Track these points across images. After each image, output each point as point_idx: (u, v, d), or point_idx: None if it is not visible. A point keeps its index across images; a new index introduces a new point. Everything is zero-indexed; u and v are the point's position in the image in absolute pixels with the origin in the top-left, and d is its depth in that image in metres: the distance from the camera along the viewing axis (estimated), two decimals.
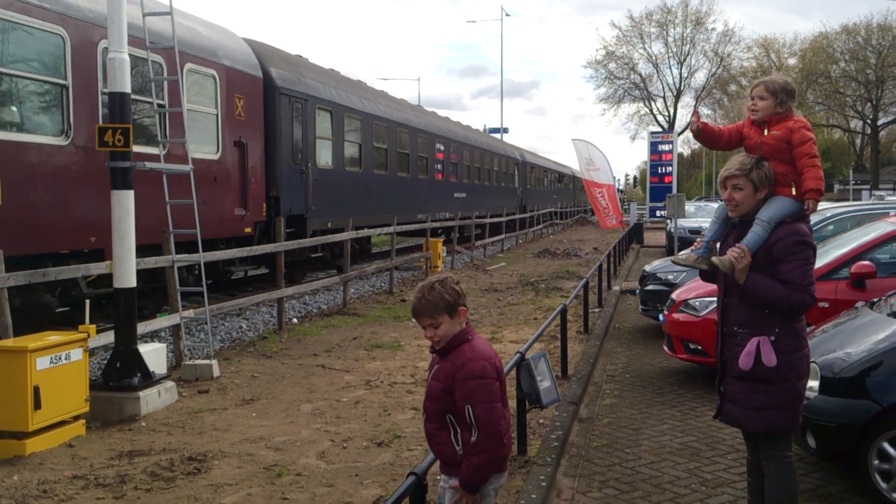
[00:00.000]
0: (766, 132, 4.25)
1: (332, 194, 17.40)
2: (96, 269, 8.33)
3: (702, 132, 4.58)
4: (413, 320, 12.59)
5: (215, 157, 13.09)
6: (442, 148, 26.67)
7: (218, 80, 13.13)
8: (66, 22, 9.80)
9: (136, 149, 8.63)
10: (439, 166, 26.52)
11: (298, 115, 15.92)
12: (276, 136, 14.99)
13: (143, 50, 9.29)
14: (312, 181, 16.21)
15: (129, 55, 7.62)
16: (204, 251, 9.72)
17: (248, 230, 13.94)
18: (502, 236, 30.09)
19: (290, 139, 15.55)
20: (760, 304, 4.07)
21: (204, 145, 12.79)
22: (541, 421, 6.99)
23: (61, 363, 6.55)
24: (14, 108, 9.34)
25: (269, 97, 14.86)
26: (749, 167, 4.17)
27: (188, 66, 12.22)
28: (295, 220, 15.79)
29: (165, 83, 11.03)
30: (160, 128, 10.66)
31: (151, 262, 9.08)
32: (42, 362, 6.35)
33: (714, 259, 4.28)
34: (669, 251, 21.84)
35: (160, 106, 10.43)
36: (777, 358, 4.00)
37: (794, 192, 4.15)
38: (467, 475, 3.38)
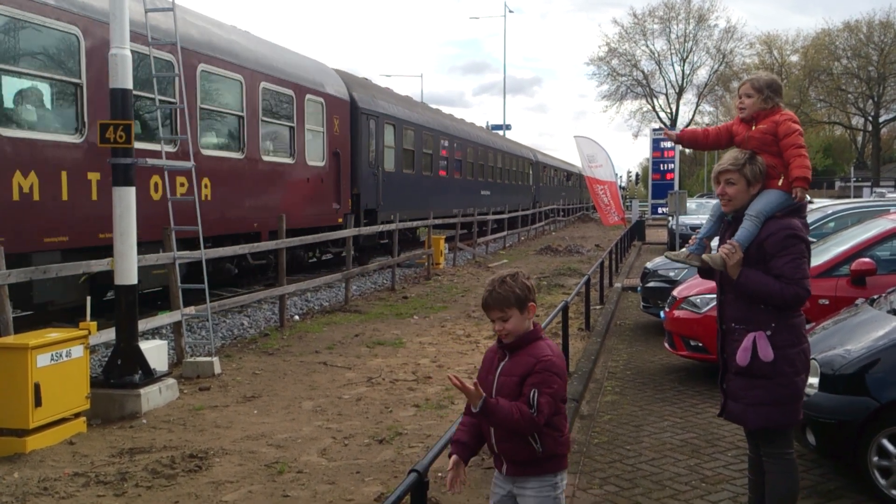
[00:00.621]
0: (753, 128, 4.29)
1: (395, 192, 21.10)
2: (97, 266, 8.33)
3: (682, 140, 4.65)
4: (415, 318, 12.58)
5: (322, 165, 16.87)
6: (472, 151, 30.22)
7: (324, 106, 16.93)
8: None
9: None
10: (470, 168, 30.14)
11: (372, 129, 19.76)
12: (359, 146, 18.76)
13: (147, 47, 9.31)
14: (382, 181, 20.17)
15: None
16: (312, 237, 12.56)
17: (340, 220, 17.37)
18: (504, 233, 30.12)
19: (367, 148, 19.33)
20: (754, 299, 4.08)
21: (316, 157, 16.62)
22: None
23: (62, 360, 6.56)
24: (220, 135, 13.57)
25: (354, 116, 18.63)
26: (742, 162, 4.20)
27: (308, 96, 16.21)
28: (369, 213, 19.49)
29: (177, 81, 11.03)
30: (168, 125, 10.77)
31: (153, 258, 9.09)
32: (43, 359, 6.36)
33: (705, 256, 4.31)
34: (671, 248, 21.85)
35: (164, 102, 10.44)
36: (774, 353, 4.01)
37: (780, 184, 4.20)
38: (499, 408, 3.23)
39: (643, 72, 70.48)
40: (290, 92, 15.30)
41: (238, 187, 13.51)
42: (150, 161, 8.75)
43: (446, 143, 26.77)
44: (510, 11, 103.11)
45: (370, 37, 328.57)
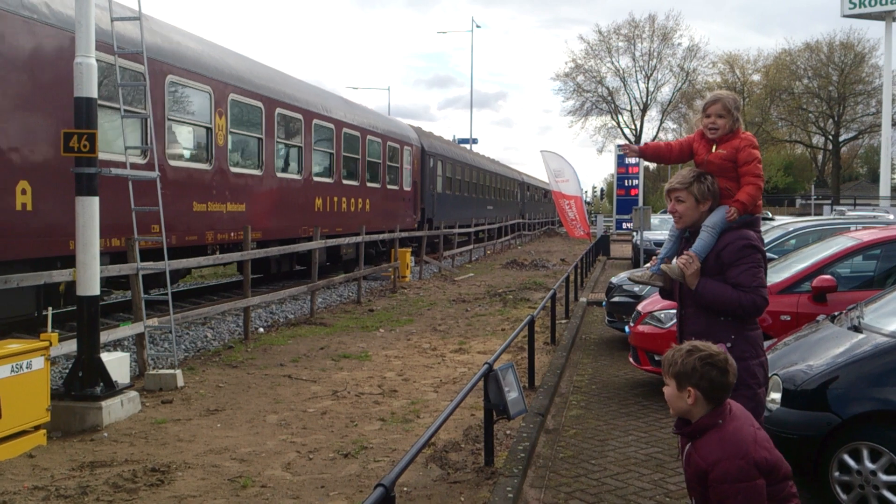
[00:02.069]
0: (714, 148, 4.34)
1: (442, 207, 30.14)
2: (59, 276, 8.23)
3: (645, 153, 4.70)
4: (381, 331, 12.52)
5: (410, 189, 25.69)
6: (482, 176, 39.12)
7: (410, 151, 25.79)
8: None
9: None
10: (482, 189, 39.22)
11: (431, 164, 28.57)
12: (425, 176, 27.66)
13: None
14: (435, 200, 29.14)
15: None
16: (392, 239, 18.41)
17: (415, 226, 26.05)
18: (471, 247, 30.24)
19: (428, 177, 28.15)
20: (713, 308, 4.15)
21: (408, 184, 25.41)
22: (508, 432, 7.01)
23: (22, 372, 6.45)
24: (372, 176, 21.90)
25: (423, 157, 27.56)
26: (689, 181, 4.29)
27: (408, 148, 25.44)
28: (428, 221, 27.82)
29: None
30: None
31: (115, 269, 8.99)
32: (2, 371, 6.24)
33: (663, 266, 4.38)
34: (636, 263, 22.03)
35: (128, 112, 10.35)
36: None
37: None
38: None
39: (608, 88, 71.27)
40: (398, 146, 24.50)
41: (376, 204, 22.22)
42: (115, 171, 8.65)
43: (468, 171, 35.95)
44: (477, 27, 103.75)
45: (338, 48, 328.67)
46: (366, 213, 21.05)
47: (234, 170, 14.19)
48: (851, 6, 43.85)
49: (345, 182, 19.75)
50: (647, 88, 71.05)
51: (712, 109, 4.37)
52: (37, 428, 6.64)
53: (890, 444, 4.89)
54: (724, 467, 3.09)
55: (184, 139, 13.02)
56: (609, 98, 71.33)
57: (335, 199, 19.05)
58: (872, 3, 42.73)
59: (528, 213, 55.24)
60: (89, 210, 7.44)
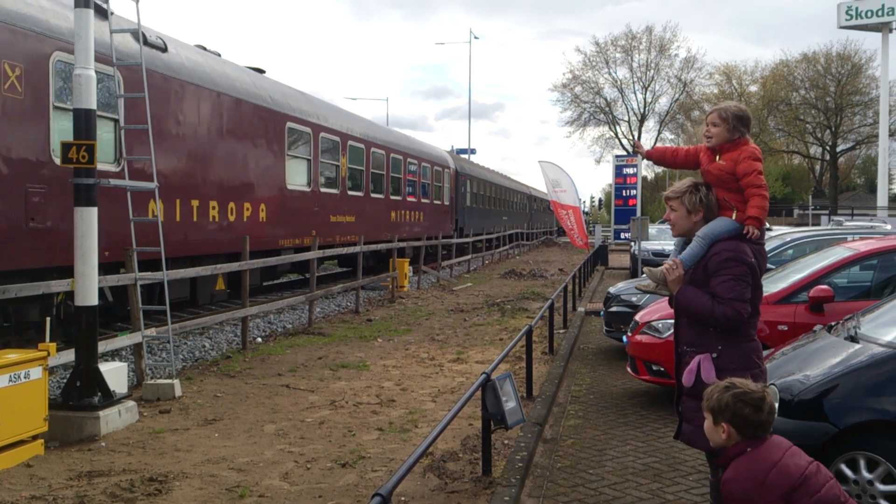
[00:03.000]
0: (717, 159, 4.35)
1: (471, 218, 36.09)
2: (57, 286, 8.24)
3: (652, 157, 4.72)
4: (379, 340, 12.52)
5: (448, 204, 31.55)
6: (499, 190, 45.34)
7: (448, 173, 31.84)
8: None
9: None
10: (500, 202, 45.41)
11: (462, 183, 34.42)
12: (458, 193, 33.44)
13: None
14: (466, 212, 34.87)
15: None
16: (428, 247, 22.24)
17: (451, 234, 30.90)
18: (469, 256, 30.27)
19: (460, 193, 33.96)
20: (692, 316, 4.19)
21: (447, 199, 31.30)
22: (506, 441, 7.01)
23: (20, 382, 6.45)
24: (413, 191, 26.57)
25: (457, 177, 33.39)
26: (682, 192, 4.34)
27: (447, 170, 31.56)
28: (460, 230, 33.21)
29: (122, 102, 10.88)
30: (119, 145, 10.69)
31: (114, 279, 9.00)
32: (0, 380, 6.25)
33: (646, 269, 4.41)
34: (633, 273, 22.04)
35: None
36: (718, 375, 4.06)
37: (734, 217, 4.28)
38: None
39: (606, 99, 71.40)
40: (440, 169, 30.47)
41: (427, 216, 28.30)
42: (114, 181, 8.67)
43: (489, 188, 42.22)
44: (476, 38, 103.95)
45: (336, 60, 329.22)
46: (421, 223, 27.23)
47: (349, 193, 20.48)
48: (848, 18, 44.03)
49: (408, 199, 25.97)
50: (645, 99, 71.25)
51: (709, 118, 4.42)
52: (34, 438, 6.64)
53: (887, 453, 4.90)
54: (729, 487, 3.26)
55: (326, 172, 18.99)
56: (607, 109, 71.50)
57: (403, 212, 25.48)
58: (869, 14, 42.92)
59: (535, 223, 61.74)
60: (87, 220, 7.45)
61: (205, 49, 14.66)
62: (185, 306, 14.16)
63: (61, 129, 9.90)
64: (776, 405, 3.42)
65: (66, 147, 7.36)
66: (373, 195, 22.25)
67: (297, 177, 17.22)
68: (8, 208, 9.33)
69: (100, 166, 9.35)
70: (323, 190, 18.76)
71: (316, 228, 17.75)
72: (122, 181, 8.89)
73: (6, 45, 9.28)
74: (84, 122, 7.38)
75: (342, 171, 19.82)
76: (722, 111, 4.36)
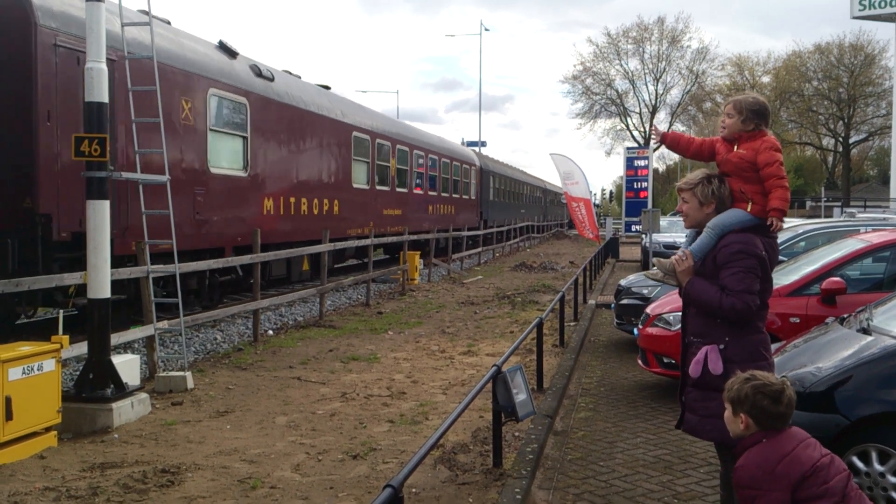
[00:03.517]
0: (735, 149, 4.32)
1: (493, 211, 39.18)
2: (70, 279, 8.28)
3: (666, 140, 4.68)
4: (390, 333, 12.56)
5: (475, 198, 34.69)
6: (517, 185, 48.50)
7: (475, 170, 34.87)
8: None
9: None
10: (518, 196, 48.79)
11: (486, 179, 37.62)
12: (482, 188, 36.58)
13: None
14: (489, 205, 38.13)
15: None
16: (454, 238, 24.97)
17: (477, 225, 34.21)
18: (479, 249, 30.26)
19: (485, 189, 37.33)
20: (700, 307, 4.17)
21: (473, 194, 34.46)
22: (516, 434, 7.02)
23: (34, 374, 6.49)
24: (454, 189, 31.84)
25: (482, 174, 36.58)
26: (695, 183, 4.31)
27: (473, 167, 34.82)
28: (485, 221, 36.12)
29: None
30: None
31: (126, 272, 9.04)
32: (14, 373, 6.29)
33: (655, 259, 4.40)
34: (645, 266, 22.00)
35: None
36: (725, 367, 4.07)
37: (749, 209, 4.23)
38: None
39: (617, 91, 71.13)
40: (468, 167, 34.07)
41: (458, 209, 31.95)
42: (125, 175, 8.70)
43: (510, 182, 45.65)
44: (486, 30, 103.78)
45: (346, 52, 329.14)
46: (453, 215, 30.63)
47: (397, 189, 23.90)
48: (861, 7, 43.66)
49: (443, 194, 29.74)
50: (657, 91, 70.90)
51: (726, 109, 4.40)
52: (48, 429, 6.69)
53: None
54: (739, 474, 3.30)
55: (380, 173, 22.41)
56: (618, 100, 71.22)
57: (440, 205, 29.25)
58: (882, 4, 42.55)
59: (549, 214, 64.98)
60: (100, 213, 7.48)
61: (289, 73, 17.90)
62: (282, 283, 17.44)
63: (214, 146, 13.47)
64: (795, 398, 3.41)
65: (78, 140, 7.38)
66: (415, 191, 26.07)
67: (359, 176, 20.73)
68: (184, 205, 12.38)
69: (230, 172, 14.04)
70: (378, 187, 22.29)
71: (373, 220, 21.38)
72: (134, 174, 8.92)
73: (182, 86, 12.50)
74: (96, 115, 7.40)
75: (392, 171, 23.39)
76: (737, 102, 4.33)
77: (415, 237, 22.33)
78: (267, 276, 15.35)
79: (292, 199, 16.50)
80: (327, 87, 20.17)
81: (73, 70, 9.99)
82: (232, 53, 14.36)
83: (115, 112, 9.62)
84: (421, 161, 26.67)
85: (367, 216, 21.05)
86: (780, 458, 3.28)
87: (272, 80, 15.78)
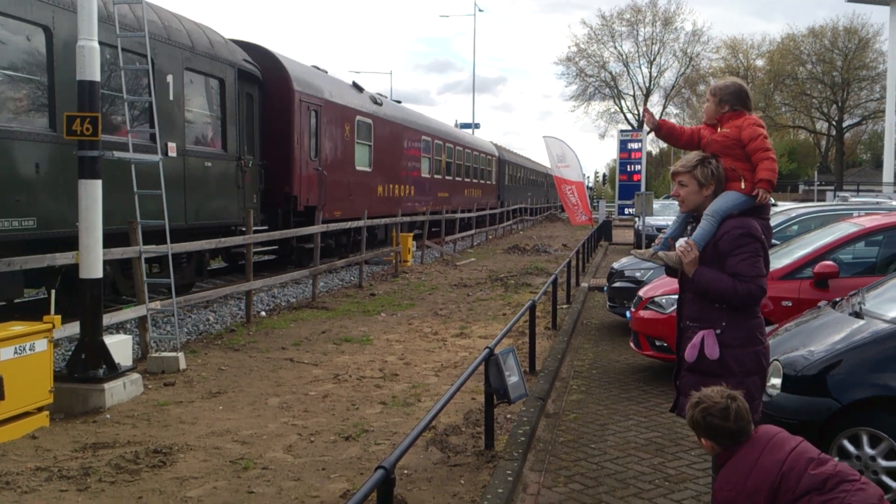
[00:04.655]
0: (718, 130, 4.35)
1: (508, 194, 44.86)
2: (62, 259, 8.24)
3: (661, 128, 4.66)
4: (383, 315, 12.54)
5: (494, 183, 42.05)
6: (526, 171, 55.70)
7: (494, 160, 42.40)
8: None
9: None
10: (525, 181, 55.22)
11: (503, 166, 43.95)
12: (500, 174, 43.56)
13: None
14: (505, 189, 44.05)
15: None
16: (476, 219, 32.29)
17: (497, 206, 39.83)
18: (472, 231, 30.25)
19: (502, 175, 43.77)
20: (710, 296, 4.16)
21: (493, 179, 41.74)
22: (508, 416, 7.04)
23: (25, 354, 6.48)
24: (476, 176, 39.12)
25: (500, 162, 43.51)
26: (693, 164, 4.29)
27: (493, 157, 42.29)
28: (502, 203, 41.37)
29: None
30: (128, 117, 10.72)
31: (119, 252, 9.00)
32: (6, 352, 6.27)
33: (661, 254, 4.39)
34: (638, 248, 22.03)
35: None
36: (722, 351, 4.08)
37: (742, 186, 4.25)
38: None
39: (611, 73, 71.03)
40: (490, 157, 40.48)
41: (483, 193, 38.59)
42: (117, 154, 8.64)
43: (520, 169, 52.62)
44: (480, 11, 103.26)
45: (339, 33, 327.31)
46: (478, 197, 37.33)
47: (446, 177, 31.84)
48: None
49: (473, 180, 37.08)
50: (650, 73, 70.86)
51: (706, 95, 4.45)
52: (40, 409, 6.68)
53: (889, 429, 4.91)
54: (716, 498, 3.41)
55: (436, 165, 30.02)
56: (612, 83, 71.13)
57: (471, 189, 36.61)
58: None
59: (552, 197, 67.19)
60: (92, 193, 7.44)
61: (385, 97, 25.47)
62: (383, 244, 22.68)
63: (357, 151, 21.02)
64: (744, 409, 3.43)
65: (70, 119, 7.32)
66: (456, 178, 33.70)
67: (425, 168, 28.75)
68: (342, 189, 19.98)
69: (363, 168, 21.64)
70: (435, 176, 30.13)
71: (432, 200, 28.72)
72: (127, 154, 8.85)
73: (345, 116, 20.26)
74: (88, 93, 7.33)
75: (443, 164, 31.32)
76: (714, 87, 4.44)
77: (460, 215, 29.62)
78: (374, 240, 22.18)
79: (389, 185, 24.18)
80: (398, 102, 28.66)
81: (308, 113, 17.79)
82: (360, 89, 22.20)
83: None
84: (460, 154, 34.41)
85: (427, 197, 28.45)
86: (747, 473, 3.32)
87: (381, 105, 23.62)
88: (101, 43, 7.44)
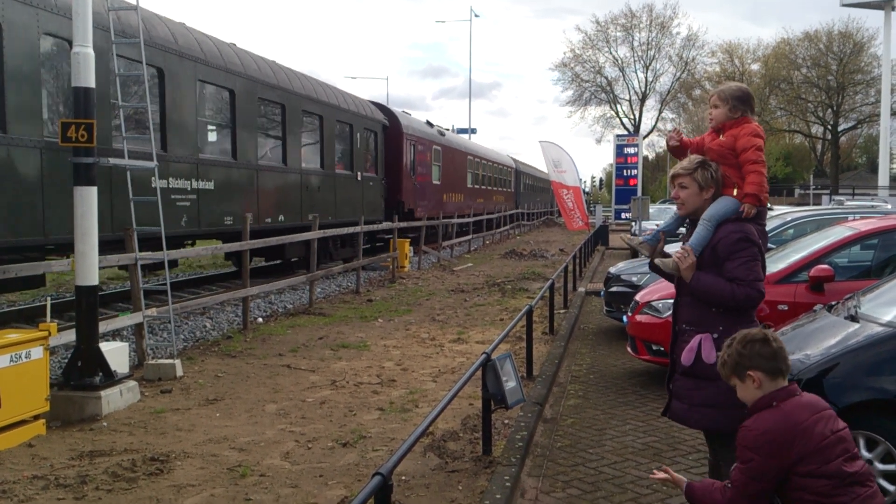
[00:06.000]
0: (721, 137, 4.36)
1: (522, 199, 52.74)
2: (58, 266, 8.24)
3: (688, 149, 4.57)
4: (380, 321, 12.52)
5: (512, 191, 49.77)
6: (533, 179, 61.14)
7: (511, 170, 49.68)
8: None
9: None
10: (533, 189, 60.93)
11: (518, 176, 52.28)
12: (517, 183, 51.94)
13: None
14: (520, 195, 52.24)
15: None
16: (495, 223, 38.93)
17: (513, 210, 46.36)
18: (469, 237, 30.27)
19: (518, 183, 52.02)
20: (708, 301, 4.16)
21: (512, 188, 50.04)
22: (506, 421, 7.03)
23: (21, 361, 6.46)
24: (493, 184, 45.43)
25: (517, 173, 51.90)
26: (693, 167, 4.29)
27: (511, 168, 49.87)
28: (517, 205, 49.42)
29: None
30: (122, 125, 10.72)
31: (114, 259, 9.00)
32: (2, 361, 6.26)
33: (657, 261, 4.40)
34: (634, 254, 22.01)
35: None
36: (718, 355, 4.07)
37: (735, 193, 4.27)
38: (695, 489, 3.51)
39: (607, 78, 71.19)
40: (509, 169, 48.89)
41: (503, 199, 45.71)
42: (113, 161, 8.64)
43: (530, 178, 59.04)
44: (476, 16, 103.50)
45: (335, 38, 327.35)
46: (498, 203, 42.82)
47: (481, 187, 38.88)
48: None
49: (497, 188, 43.64)
50: (646, 78, 71.00)
51: (711, 101, 4.45)
52: (36, 417, 6.66)
53: (886, 433, 4.91)
54: (743, 433, 3.31)
55: (474, 177, 37.43)
56: (608, 88, 71.27)
57: (496, 196, 43.00)
58: None
59: (554, 203, 76.71)
60: (87, 200, 7.43)
61: (447, 129, 33.60)
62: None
63: (432, 170, 28.95)
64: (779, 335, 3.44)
65: (64, 126, 7.32)
66: (487, 187, 40.51)
67: (469, 180, 36.09)
68: (426, 198, 27.51)
69: (436, 182, 29.76)
70: (474, 186, 37.19)
71: (473, 206, 35.65)
72: (122, 160, 8.85)
73: (428, 145, 28.32)
74: (83, 100, 7.33)
75: (479, 176, 38.66)
76: (721, 92, 4.39)
77: (483, 217, 35.02)
78: (445, 231, 27.79)
79: (451, 194, 31.87)
80: (446, 129, 35.50)
81: (410, 146, 25.63)
82: (431, 125, 30.45)
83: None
84: (487, 167, 40.82)
85: (471, 202, 35.73)
86: (790, 427, 3.23)
87: (444, 135, 31.81)
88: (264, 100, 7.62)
